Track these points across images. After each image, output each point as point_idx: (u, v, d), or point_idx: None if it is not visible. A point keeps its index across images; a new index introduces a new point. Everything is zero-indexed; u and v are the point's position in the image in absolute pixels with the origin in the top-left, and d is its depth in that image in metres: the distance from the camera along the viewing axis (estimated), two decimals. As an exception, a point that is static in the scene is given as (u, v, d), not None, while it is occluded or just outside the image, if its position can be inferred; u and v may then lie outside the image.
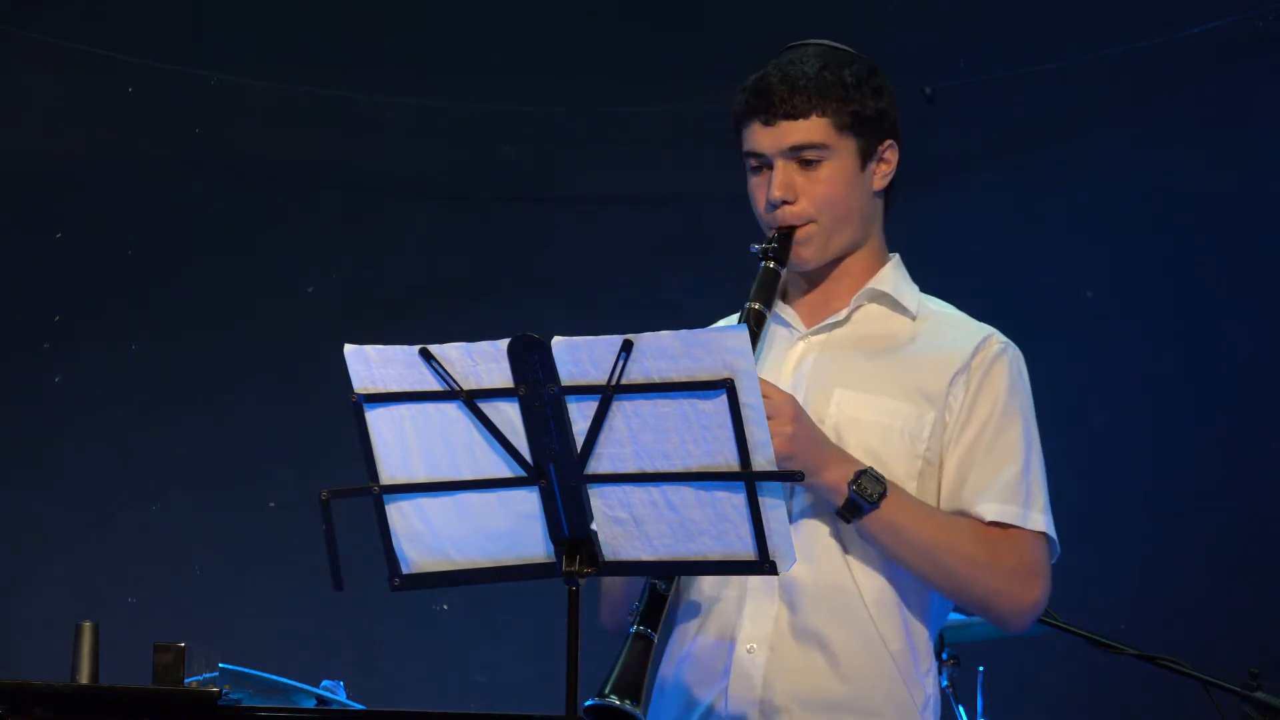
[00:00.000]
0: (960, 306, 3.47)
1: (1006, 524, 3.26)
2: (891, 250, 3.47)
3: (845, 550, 3.25)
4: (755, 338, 3.25)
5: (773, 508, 2.86)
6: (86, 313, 6.76)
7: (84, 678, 4.20)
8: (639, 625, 3.15)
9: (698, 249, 6.68)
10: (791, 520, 3.22)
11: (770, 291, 3.31)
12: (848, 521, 3.20)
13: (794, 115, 3.29)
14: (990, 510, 3.26)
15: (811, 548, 3.25)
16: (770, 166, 3.32)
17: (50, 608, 6.41)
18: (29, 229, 6.76)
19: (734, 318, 3.45)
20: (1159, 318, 6.50)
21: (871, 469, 3.19)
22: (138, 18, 6.79)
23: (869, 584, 3.26)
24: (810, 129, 3.29)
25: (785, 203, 3.30)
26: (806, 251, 3.34)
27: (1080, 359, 6.37)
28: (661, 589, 3.17)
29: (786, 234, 3.32)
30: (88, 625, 4.24)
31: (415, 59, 6.90)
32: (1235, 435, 6.43)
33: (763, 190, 3.33)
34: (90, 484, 6.68)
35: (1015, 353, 3.36)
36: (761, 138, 3.32)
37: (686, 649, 3.30)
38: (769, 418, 3.02)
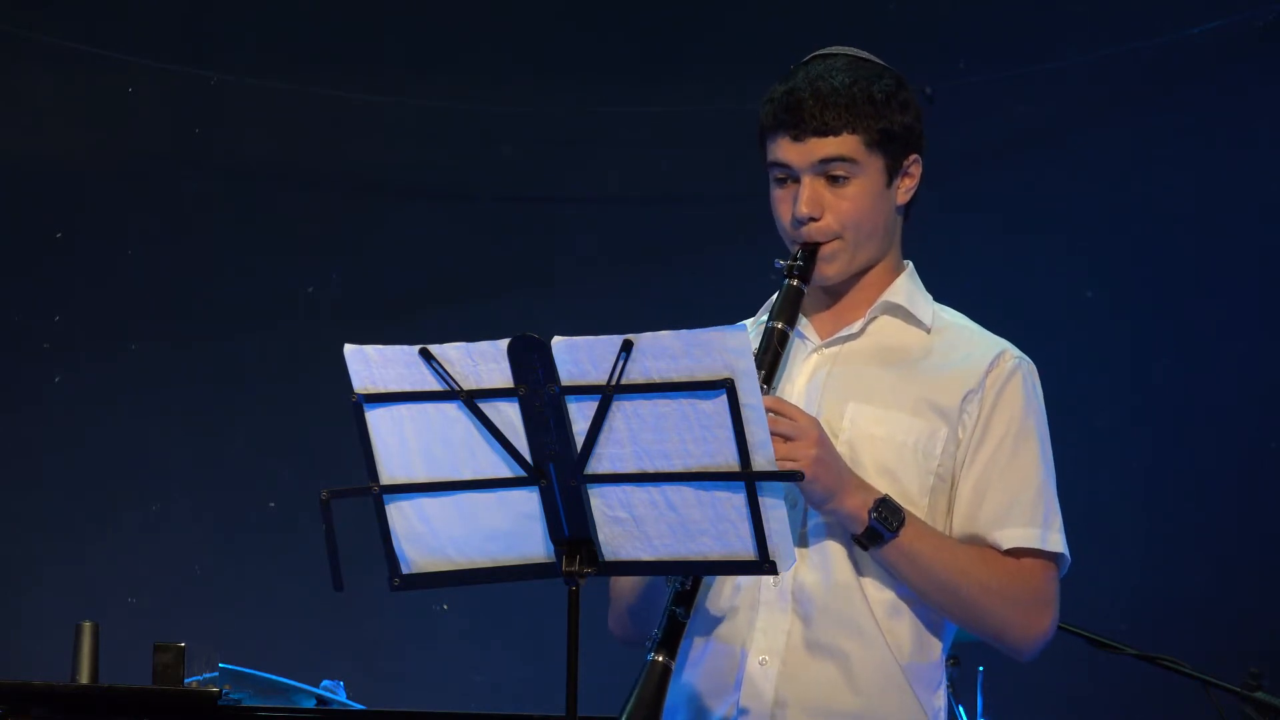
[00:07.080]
0: (959, 308, 3.45)
1: (1023, 549, 3.25)
2: (905, 258, 3.44)
3: (858, 564, 3.23)
4: (779, 357, 3.22)
5: (772, 508, 2.87)
6: (86, 313, 6.76)
7: (84, 678, 4.19)
8: (658, 654, 3.12)
9: (697, 249, 6.67)
10: (806, 534, 3.22)
11: (794, 310, 3.26)
12: (865, 549, 3.18)
13: (824, 132, 3.24)
14: (1008, 537, 3.24)
15: (825, 561, 3.23)
16: (796, 180, 3.27)
17: (50, 608, 6.41)
18: (29, 229, 6.76)
19: (748, 322, 3.44)
20: (1158, 318, 6.50)
21: (889, 497, 3.16)
22: (138, 18, 6.79)
23: (881, 598, 3.24)
24: (840, 145, 3.25)
25: (812, 219, 3.27)
26: (831, 268, 3.30)
27: (1080, 359, 6.37)
28: (680, 616, 3.14)
29: (811, 251, 3.28)
30: (88, 625, 4.23)
31: (415, 59, 6.90)
32: (1235, 435, 6.43)
33: (787, 203, 3.29)
34: (90, 484, 6.68)
35: (1029, 367, 3.33)
36: (789, 151, 3.26)
37: (697, 660, 3.27)
38: (792, 439, 3.04)
